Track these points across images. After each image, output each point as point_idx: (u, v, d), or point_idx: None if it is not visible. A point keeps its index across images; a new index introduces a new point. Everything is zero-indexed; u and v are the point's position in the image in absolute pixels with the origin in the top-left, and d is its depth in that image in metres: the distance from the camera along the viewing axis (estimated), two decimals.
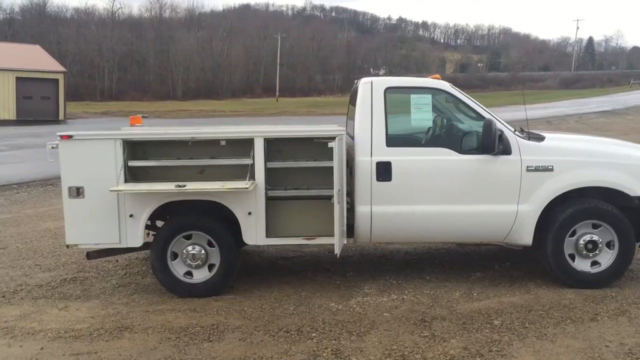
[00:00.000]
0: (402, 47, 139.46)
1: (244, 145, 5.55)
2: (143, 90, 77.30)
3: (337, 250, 5.09)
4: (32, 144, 23.94)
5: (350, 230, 5.66)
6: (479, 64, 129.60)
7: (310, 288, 5.80)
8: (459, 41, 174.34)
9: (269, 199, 5.53)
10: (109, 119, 42.70)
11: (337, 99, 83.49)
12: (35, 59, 43.58)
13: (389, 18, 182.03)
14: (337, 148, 4.89)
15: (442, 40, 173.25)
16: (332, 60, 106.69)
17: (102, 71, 77.02)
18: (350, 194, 5.66)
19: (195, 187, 5.21)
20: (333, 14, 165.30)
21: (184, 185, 5.22)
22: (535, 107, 37.71)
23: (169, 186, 5.27)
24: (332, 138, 5.15)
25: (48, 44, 60.72)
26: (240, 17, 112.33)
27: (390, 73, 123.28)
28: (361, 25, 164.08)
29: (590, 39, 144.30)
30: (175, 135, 5.53)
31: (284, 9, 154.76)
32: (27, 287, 6.11)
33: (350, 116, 6.76)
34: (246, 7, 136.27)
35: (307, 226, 5.69)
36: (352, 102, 6.62)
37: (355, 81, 6.37)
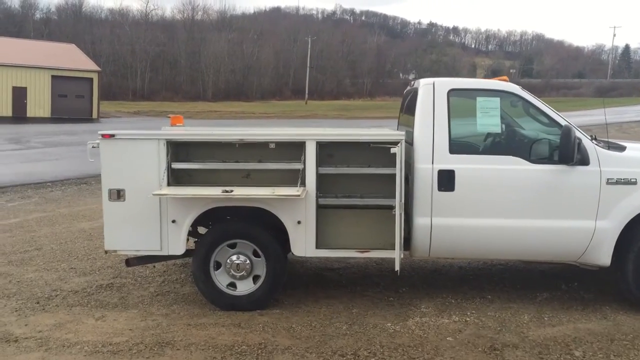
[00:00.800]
0: (432, 51, 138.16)
1: (294, 149, 5.17)
2: (174, 90, 77.89)
3: (397, 267, 4.66)
4: (67, 141, 24.03)
5: (406, 243, 5.23)
6: (511, 70, 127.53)
7: (361, 304, 5.38)
8: (490, 47, 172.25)
9: (319, 207, 5.13)
10: (141, 119, 42.94)
11: (366, 102, 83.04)
12: (71, 57, 44.08)
13: (420, 23, 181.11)
14: (400, 154, 4.46)
15: (473, 46, 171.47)
16: (361, 64, 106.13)
17: (134, 71, 77.84)
18: (406, 204, 5.22)
19: (243, 193, 4.83)
20: (363, 18, 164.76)
21: (231, 191, 4.86)
22: (571, 115, 36.66)
23: (215, 191, 4.91)
24: (393, 143, 4.74)
25: (83, 44, 61.50)
26: (271, 19, 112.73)
27: (419, 77, 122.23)
28: (391, 29, 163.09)
29: (627, 47, 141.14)
30: (222, 136, 5.17)
31: (314, 12, 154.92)
32: (63, 293, 5.81)
33: (403, 121, 6.33)
34: (277, 10, 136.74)
35: (359, 238, 5.28)
36: (407, 105, 6.20)
37: (412, 82, 5.93)
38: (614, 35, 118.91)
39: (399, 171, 4.47)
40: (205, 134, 5.22)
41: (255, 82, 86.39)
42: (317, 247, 5.17)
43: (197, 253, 5.23)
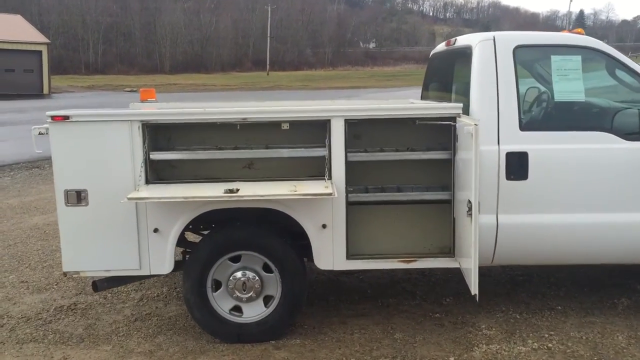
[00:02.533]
0: (392, 20, 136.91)
1: (315, 130, 3.92)
2: (129, 63, 74.73)
3: (474, 288, 3.43)
4: (16, 120, 22.03)
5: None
6: None
7: (402, 325, 4.21)
8: (448, 14, 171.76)
9: (350, 205, 3.90)
10: (97, 93, 40.61)
11: (329, 72, 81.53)
12: (17, 29, 41.18)
13: None
14: (476, 135, 3.22)
15: (431, 14, 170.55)
16: (322, 33, 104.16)
17: (86, 44, 74.29)
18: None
19: (254, 193, 3.54)
20: None
21: (237, 190, 3.56)
22: None
23: (213, 191, 3.61)
24: (449, 119, 3.58)
25: (29, 15, 57.93)
26: None
27: (380, 46, 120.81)
28: None
29: (581, 12, 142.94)
30: (218, 115, 3.84)
31: None
32: (10, 322, 4.47)
33: (434, 93, 5.11)
34: None
35: (401, 243, 4.13)
36: (441, 72, 4.98)
37: (452, 40, 4.68)
38: (571, 1, 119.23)
39: (475, 156, 3.23)
40: (194, 113, 3.88)
41: (215, 53, 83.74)
42: (349, 257, 3.95)
43: (188, 271, 3.95)
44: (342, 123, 3.79)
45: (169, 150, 4.05)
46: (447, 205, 4.08)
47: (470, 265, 3.33)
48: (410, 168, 4.18)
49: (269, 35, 77.77)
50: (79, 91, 44.10)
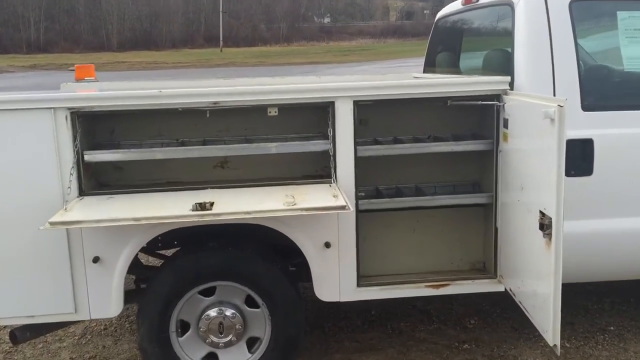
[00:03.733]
0: None
1: (311, 116, 2.92)
2: (74, 41, 71.18)
3: (552, 336, 2.46)
4: None
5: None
6: (425, 11, 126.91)
7: None
8: None
9: (360, 213, 2.92)
10: (39, 73, 38.21)
11: (284, 48, 79.73)
12: None
13: None
14: (559, 122, 2.25)
15: None
16: (275, 8, 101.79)
17: (27, 21, 70.30)
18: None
19: (235, 210, 2.49)
20: None
21: (210, 205, 2.51)
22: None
23: (175, 205, 2.55)
24: (491, 97, 2.61)
25: None
26: None
27: (335, 21, 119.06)
28: None
29: None
30: (181, 98, 2.76)
31: None
32: None
33: (448, 63, 4.16)
34: None
35: (422, 259, 3.20)
36: (453, 37, 4.05)
37: None
38: None
39: (558, 152, 2.25)
40: (146, 96, 2.79)
41: (165, 29, 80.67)
42: (360, 283, 2.98)
43: (145, 311, 2.90)
44: (351, 106, 2.78)
45: (111, 147, 2.97)
46: (481, 209, 3.17)
47: (546, 303, 2.38)
48: (429, 162, 3.23)
49: (221, 10, 75.28)
50: (19, 71, 41.48)
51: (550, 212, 2.28)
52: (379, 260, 3.22)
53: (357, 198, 2.89)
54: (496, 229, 3.00)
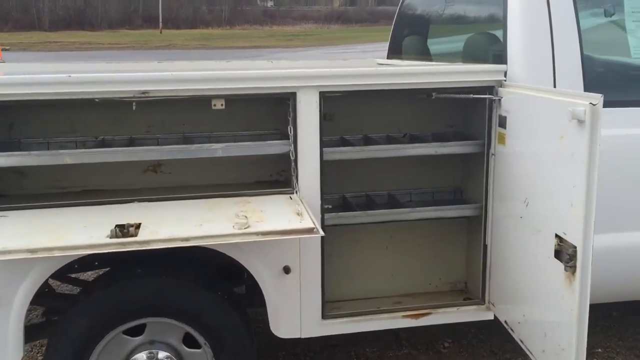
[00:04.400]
0: None
1: (266, 109, 2.35)
2: (2, 19, 67.05)
3: None
4: None
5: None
6: None
7: None
8: None
9: (326, 227, 2.38)
10: None
11: (227, 31, 77.94)
12: None
13: None
14: (591, 124, 1.75)
15: None
16: None
17: None
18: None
19: (169, 237, 1.88)
20: None
21: (135, 229, 1.91)
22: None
23: (87, 230, 1.93)
24: (483, 90, 2.11)
25: None
26: None
27: (279, 5, 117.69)
28: None
29: None
30: (99, 85, 2.12)
31: None
32: None
33: (417, 50, 3.67)
34: None
35: (396, 279, 2.71)
36: (424, 20, 3.55)
37: None
38: None
39: (586, 159, 1.75)
40: (51, 82, 2.14)
41: (100, 8, 77.19)
42: (326, 315, 2.45)
43: (52, 354, 2.27)
44: (316, 98, 2.23)
45: (9, 148, 2.31)
46: (465, 220, 2.70)
47: (565, 354, 1.90)
48: (404, 165, 2.74)
49: None
50: None
51: (575, 239, 1.80)
52: (346, 282, 2.71)
53: (323, 211, 2.35)
54: (485, 247, 2.53)
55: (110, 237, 1.82)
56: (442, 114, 2.73)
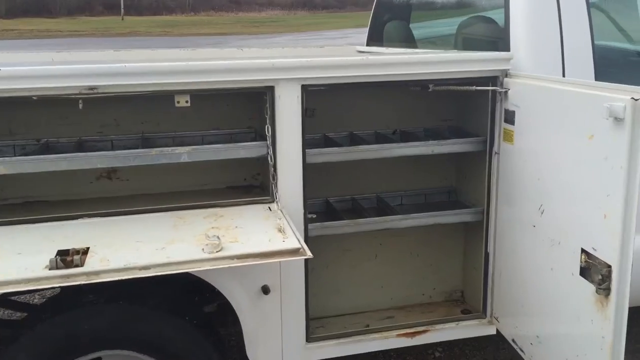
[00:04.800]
0: None
1: (239, 106, 2.03)
2: None
3: None
4: None
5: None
6: None
7: None
8: None
9: (310, 239, 2.08)
10: None
11: (191, 18, 76.49)
12: None
13: None
14: (632, 123, 1.48)
15: None
16: None
17: None
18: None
19: (121, 266, 1.55)
20: None
21: (81, 256, 1.57)
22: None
23: (24, 258, 1.59)
24: (485, 81, 1.84)
25: None
26: None
27: None
28: None
29: None
30: (34, 79, 1.76)
31: None
32: None
33: (394, 32, 3.37)
34: None
35: (387, 291, 2.42)
36: (408, 4, 3.27)
37: None
38: None
39: (625, 164, 1.46)
40: None
41: None
42: (310, 337, 2.15)
43: None
44: (298, 92, 1.91)
45: None
46: (461, 224, 2.43)
47: None
48: (394, 164, 2.45)
49: None
50: None
51: (609, 257, 1.53)
52: (332, 296, 2.42)
53: (307, 221, 2.05)
54: (487, 255, 2.26)
55: (50, 269, 1.48)
56: (435, 108, 2.45)
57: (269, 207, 1.93)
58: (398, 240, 2.46)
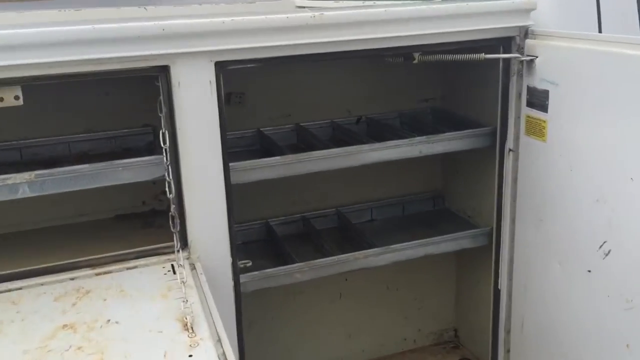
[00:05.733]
0: None
1: (130, 89, 1.28)
2: None
3: None
4: None
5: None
6: None
7: None
8: None
9: (239, 298, 1.35)
10: None
11: None
12: None
13: None
14: None
15: None
16: None
17: None
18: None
19: None
20: None
21: None
22: None
23: None
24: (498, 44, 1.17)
25: None
26: None
27: None
28: None
29: None
30: None
31: None
32: None
33: None
34: None
35: (358, 344, 1.77)
36: None
37: None
38: None
39: None
40: None
41: None
42: None
43: None
44: (211, 73, 1.15)
45: None
46: (451, 255, 1.77)
47: None
48: (357, 166, 1.72)
49: None
50: None
51: None
52: (281, 356, 1.71)
53: (237, 273, 1.32)
54: (498, 293, 1.60)
55: None
56: (412, 83, 1.75)
57: (173, 266, 1.18)
58: (370, 272, 1.76)
